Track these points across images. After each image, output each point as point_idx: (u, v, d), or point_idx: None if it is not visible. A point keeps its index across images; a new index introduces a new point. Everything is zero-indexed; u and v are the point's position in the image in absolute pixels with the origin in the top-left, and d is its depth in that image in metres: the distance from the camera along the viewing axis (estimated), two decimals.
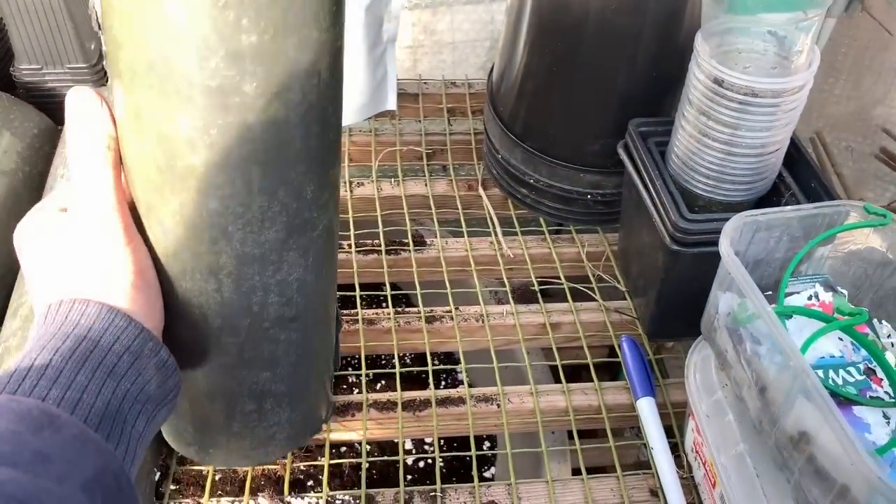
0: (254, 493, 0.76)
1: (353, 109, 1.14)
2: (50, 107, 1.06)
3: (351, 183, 1.11)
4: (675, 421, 0.85)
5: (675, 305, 0.86)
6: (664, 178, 0.83)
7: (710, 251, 0.72)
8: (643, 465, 0.83)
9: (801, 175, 0.83)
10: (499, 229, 1.05)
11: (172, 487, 0.77)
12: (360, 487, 0.76)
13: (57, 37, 1.03)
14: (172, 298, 0.59)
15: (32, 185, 0.95)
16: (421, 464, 1.17)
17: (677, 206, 0.79)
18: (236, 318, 0.59)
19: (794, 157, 0.84)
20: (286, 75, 0.49)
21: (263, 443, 0.70)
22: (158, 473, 0.77)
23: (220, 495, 0.77)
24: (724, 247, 0.68)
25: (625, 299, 0.98)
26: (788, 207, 0.72)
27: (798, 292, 0.75)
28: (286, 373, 0.65)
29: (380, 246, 1.02)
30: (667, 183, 0.82)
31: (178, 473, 0.78)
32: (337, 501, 0.76)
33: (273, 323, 0.60)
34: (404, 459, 0.81)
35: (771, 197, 0.84)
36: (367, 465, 0.78)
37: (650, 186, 0.83)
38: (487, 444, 1.23)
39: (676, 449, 0.82)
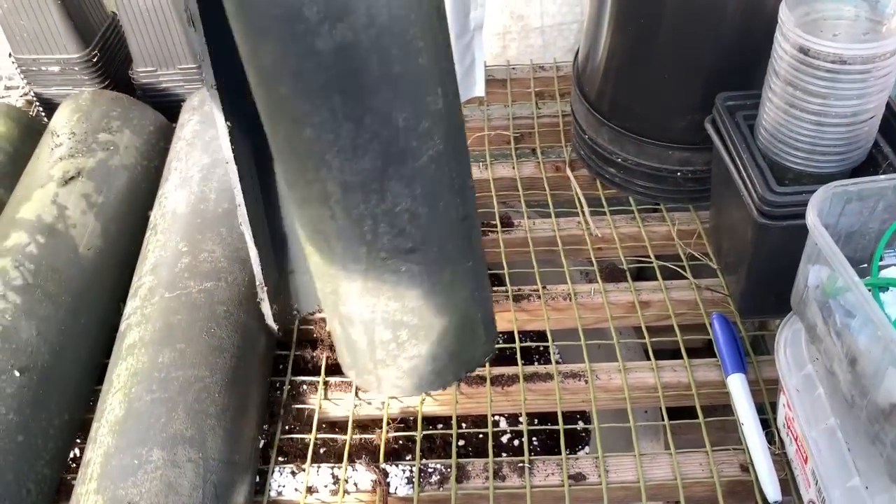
0: (351, 460, 0.81)
1: (463, 118, 1.17)
2: (164, 105, 1.15)
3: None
4: (767, 398, 0.84)
5: (766, 281, 0.85)
6: (752, 152, 0.82)
7: (800, 224, 0.71)
8: (736, 442, 0.83)
9: None
10: (586, 209, 1.06)
11: (278, 458, 0.82)
12: (451, 458, 0.80)
13: (169, 41, 1.11)
14: (302, 226, 0.64)
15: (150, 178, 1.04)
16: (516, 442, 1.19)
17: (765, 179, 0.78)
18: (354, 245, 0.61)
19: (893, 124, 0.81)
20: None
21: (409, 374, 0.71)
22: (263, 441, 0.83)
23: (322, 461, 0.82)
24: (811, 218, 0.67)
25: (716, 277, 0.97)
26: (882, 176, 0.70)
27: (895, 264, 0.72)
28: (415, 305, 0.66)
29: None
30: (755, 156, 0.81)
31: (282, 442, 0.84)
32: (429, 469, 0.79)
33: (390, 253, 0.62)
34: (493, 432, 0.84)
35: (867, 167, 0.81)
36: (462, 438, 0.82)
37: (738, 160, 0.83)
38: (581, 423, 1.25)
39: (769, 425, 0.81)
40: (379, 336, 0.69)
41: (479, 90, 1.20)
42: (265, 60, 0.53)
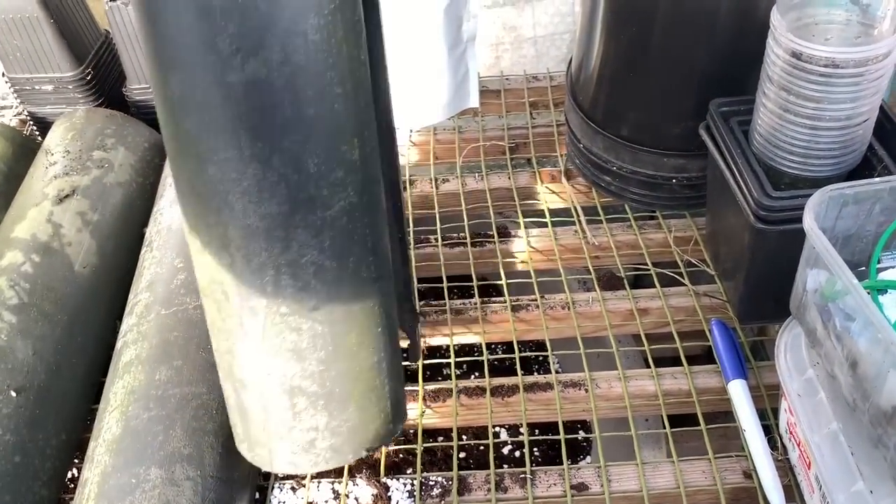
0: (352, 475, 0.80)
1: (436, 108, 1.18)
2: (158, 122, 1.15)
3: (436, 180, 1.14)
4: (768, 403, 0.83)
5: (765, 287, 0.85)
6: (747, 157, 0.82)
7: (797, 228, 0.71)
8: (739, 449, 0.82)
9: (895, 145, 0.80)
10: (583, 218, 1.06)
11: (277, 474, 0.82)
12: (452, 470, 0.79)
13: None
14: (200, 276, 0.61)
15: (145, 195, 1.04)
16: (517, 453, 1.19)
17: (761, 184, 0.78)
18: (252, 297, 0.57)
19: (887, 127, 0.81)
20: (261, 32, 0.47)
21: (305, 448, 0.65)
22: None
23: (321, 477, 0.81)
24: (808, 221, 0.67)
25: (714, 283, 0.97)
26: (877, 179, 0.70)
27: (893, 266, 0.72)
28: (315, 370, 0.61)
29: (465, 238, 1.05)
30: (750, 162, 0.81)
31: None
32: (431, 482, 0.79)
33: (291, 309, 0.58)
34: (495, 444, 0.83)
35: (862, 170, 0.81)
36: (460, 449, 0.81)
37: (733, 166, 0.82)
38: (582, 433, 1.24)
39: (771, 431, 0.80)
40: (274, 402, 0.63)
41: (474, 101, 1.21)
42: (173, 91, 0.51)
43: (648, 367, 0.89)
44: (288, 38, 0.49)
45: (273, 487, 0.80)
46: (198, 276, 0.62)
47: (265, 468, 0.70)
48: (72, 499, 0.73)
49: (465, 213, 1.08)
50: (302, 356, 0.61)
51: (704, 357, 0.97)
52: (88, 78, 1.14)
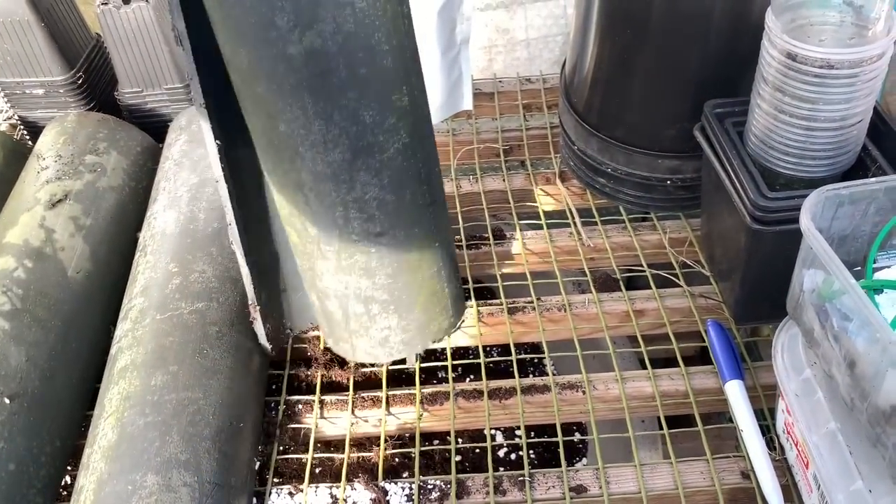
0: (350, 479, 0.80)
1: (429, 111, 1.17)
2: (151, 126, 1.14)
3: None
4: (765, 404, 0.83)
5: (761, 287, 0.85)
6: (742, 158, 0.82)
7: (793, 229, 0.71)
8: (733, 450, 0.82)
9: (888, 146, 0.81)
10: (578, 220, 1.06)
11: (274, 480, 0.81)
12: (450, 474, 0.79)
13: (154, 61, 1.10)
14: (280, 208, 0.69)
15: (138, 199, 1.03)
16: (513, 456, 1.19)
17: (756, 185, 0.78)
18: (327, 228, 0.67)
19: (880, 128, 0.82)
20: (314, 7, 0.54)
21: (381, 343, 0.78)
22: (259, 462, 0.82)
23: (319, 481, 0.81)
24: (805, 221, 0.67)
25: (710, 284, 0.97)
26: (872, 179, 0.70)
27: (889, 266, 0.73)
28: (384, 283, 0.72)
29: (461, 241, 1.05)
30: (745, 162, 0.81)
31: (279, 463, 0.83)
32: (429, 486, 0.79)
33: (360, 236, 0.68)
34: (493, 447, 0.83)
35: (856, 171, 0.82)
36: (458, 453, 0.81)
37: (728, 167, 0.83)
38: (578, 435, 1.24)
39: (767, 431, 0.80)
40: (352, 309, 0.75)
41: (467, 104, 1.21)
42: (242, 63, 0.58)
43: (645, 368, 0.89)
44: (338, 10, 0.55)
45: (270, 493, 0.80)
46: (279, 208, 0.72)
47: (348, 358, 0.83)
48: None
49: (459, 215, 1.08)
50: (372, 273, 0.71)
51: (700, 358, 0.97)
52: (80, 82, 1.13)
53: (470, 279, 1.01)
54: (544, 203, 1.10)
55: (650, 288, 0.97)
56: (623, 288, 0.98)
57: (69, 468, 0.83)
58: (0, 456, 0.73)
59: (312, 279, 0.75)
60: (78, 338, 0.87)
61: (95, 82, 1.17)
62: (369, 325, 0.76)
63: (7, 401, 0.76)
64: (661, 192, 1.02)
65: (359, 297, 0.74)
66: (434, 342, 0.81)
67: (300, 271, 0.78)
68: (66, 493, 0.79)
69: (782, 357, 0.75)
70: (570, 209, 1.08)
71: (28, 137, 1.20)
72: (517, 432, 1.06)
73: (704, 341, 0.90)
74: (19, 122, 1.19)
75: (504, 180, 1.14)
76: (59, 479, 0.81)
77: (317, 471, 0.86)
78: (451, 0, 1.08)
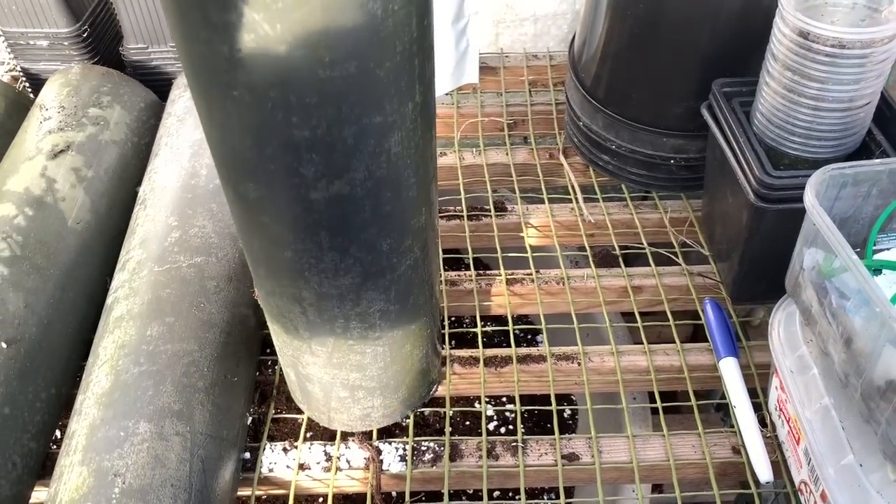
0: (344, 438, 0.80)
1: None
2: (155, 83, 1.14)
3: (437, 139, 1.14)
4: (758, 383, 0.84)
5: (760, 266, 0.86)
6: (748, 137, 0.82)
7: (796, 208, 0.71)
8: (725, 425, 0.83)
9: (894, 131, 0.81)
10: (580, 196, 1.06)
11: (269, 433, 0.81)
12: (444, 436, 0.79)
13: (161, 18, 1.10)
14: (268, 307, 0.65)
15: (140, 155, 1.02)
16: (503, 429, 1.19)
17: (762, 163, 0.79)
18: (322, 335, 0.64)
19: (886, 113, 0.82)
20: (347, 159, 0.50)
21: (361, 419, 0.76)
22: (251, 418, 0.82)
23: (313, 439, 0.81)
24: (809, 198, 0.67)
25: (708, 264, 0.97)
26: (876, 161, 0.71)
27: (889, 248, 0.73)
28: (375, 374, 0.70)
29: (462, 212, 1.04)
30: (751, 141, 0.82)
31: (274, 423, 0.83)
32: (423, 447, 0.79)
33: (357, 341, 0.65)
34: (486, 412, 0.83)
35: (861, 154, 0.82)
36: (453, 417, 0.81)
37: (734, 145, 0.83)
38: (569, 411, 1.25)
39: (760, 409, 0.81)
40: (336, 394, 0.72)
41: (473, 76, 1.20)
42: (248, 193, 0.53)
43: (641, 343, 0.89)
44: (372, 159, 0.51)
45: (265, 448, 0.80)
46: (264, 303, 0.67)
47: (323, 425, 0.79)
48: (59, 451, 0.72)
49: (461, 186, 1.08)
50: (364, 368, 0.69)
51: (696, 336, 0.97)
52: (85, 35, 1.12)
53: (470, 250, 1.01)
54: (547, 178, 1.10)
55: (649, 266, 0.98)
56: (622, 264, 0.98)
57: (62, 422, 0.83)
58: None
59: (294, 363, 0.72)
60: (75, 287, 0.87)
61: (101, 36, 1.16)
62: (352, 406, 0.74)
63: (4, 345, 0.76)
64: (664, 171, 1.02)
65: (345, 386, 0.71)
66: (412, 412, 0.80)
67: (276, 344, 0.74)
68: (55, 447, 0.79)
69: (778, 334, 0.76)
70: (572, 185, 1.08)
71: (30, 90, 1.19)
72: (508, 406, 1.07)
73: (701, 319, 0.90)
74: (22, 74, 1.18)
75: (507, 154, 1.14)
76: (53, 427, 0.81)
77: (308, 434, 0.86)
78: None
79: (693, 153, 0.99)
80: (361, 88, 0.48)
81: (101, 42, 1.16)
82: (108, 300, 0.82)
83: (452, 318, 0.92)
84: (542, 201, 1.06)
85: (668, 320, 0.91)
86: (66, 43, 1.12)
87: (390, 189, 0.55)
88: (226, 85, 0.47)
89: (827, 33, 0.72)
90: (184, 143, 0.95)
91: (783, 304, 0.78)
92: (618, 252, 1.00)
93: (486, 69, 1.26)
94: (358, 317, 0.63)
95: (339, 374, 0.70)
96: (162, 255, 0.83)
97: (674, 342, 0.89)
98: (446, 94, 1.22)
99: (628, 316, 0.98)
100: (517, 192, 1.08)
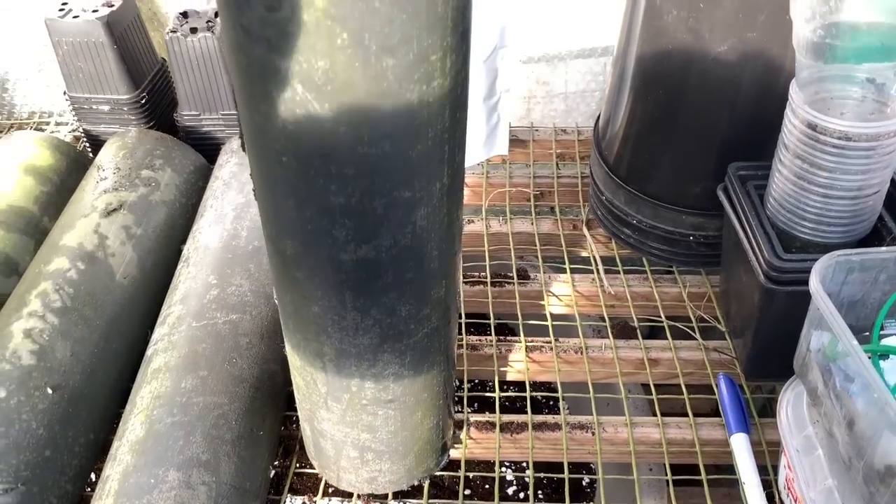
0: (360, 496, 0.83)
1: (467, 154, 1.23)
2: (204, 147, 1.21)
3: (463, 218, 1.19)
4: (769, 460, 0.85)
5: (772, 345, 0.88)
6: (761, 220, 0.85)
7: (805, 290, 0.74)
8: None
9: None
10: (601, 267, 1.10)
11: (290, 486, 0.85)
12: (458, 499, 0.82)
13: (214, 88, 1.18)
14: (292, 359, 0.71)
15: (187, 214, 1.09)
16: (521, 494, 1.21)
17: (772, 246, 0.82)
18: (338, 391, 0.69)
19: None
20: (376, 227, 0.56)
21: (368, 481, 0.79)
22: (274, 471, 0.86)
23: (332, 495, 0.84)
24: (814, 283, 0.70)
25: (724, 339, 0.99)
26: (883, 248, 0.73)
27: (895, 334, 0.75)
28: (385, 437, 0.74)
29: (486, 278, 1.09)
30: (763, 224, 0.85)
31: (296, 476, 0.87)
32: None
33: (370, 402, 0.70)
34: (500, 477, 0.86)
35: (871, 240, 0.84)
36: (473, 480, 0.84)
37: (747, 227, 0.86)
38: (587, 479, 1.26)
39: (770, 487, 0.82)
40: (346, 453, 0.76)
41: (503, 149, 1.26)
42: (286, 249, 0.59)
43: (655, 415, 0.91)
44: (398, 230, 0.57)
45: (285, 501, 0.83)
46: (290, 355, 0.73)
47: (332, 483, 0.83)
48: (92, 494, 0.77)
49: (487, 253, 1.12)
50: (374, 430, 0.73)
51: (710, 410, 0.99)
52: (143, 101, 1.21)
53: (492, 316, 1.05)
54: (569, 248, 1.14)
55: (666, 339, 1.00)
56: (640, 336, 1.01)
57: (97, 465, 0.87)
58: (39, 441, 0.78)
59: (310, 417, 0.77)
60: (118, 338, 0.92)
61: (157, 103, 1.25)
62: (360, 467, 0.78)
63: (50, 391, 0.82)
64: (684, 247, 1.06)
65: (356, 446, 0.75)
66: (418, 482, 0.83)
67: (297, 398, 0.79)
68: (90, 490, 0.83)
69: (787, 413, 0.77)
70: (594, 256, 1.12)
71: (90, 150, 1.28)
72: (524, 466, 1.09)
73: (715, 394, 0.92)
74: (83, 135, 1.27)
75: (532, 224, 1.18)
76: (89, 471, 0.86)
77: (330, 490, 0.89)
78: (495, 52, 1.14)
79: (712, 231, 1.02)
80: (394, 166, 0.53)
81: (158, 108, 1.25)
82: (148, 352, 0.88)
83: (473, 381, 0.96)
84: (564, 271, 1.10)
85: (683, 393, 0.93)
86: (125, 108, 1.21)
87: (413, 258, 0.60)
88: (276, 151, 0.53)
89: (834, 126, 0.76)
90: (228, 205, 1.02)
91: (792, 384, 0.80)
92: (636, 324, 1.03)
93: (516, 141, 1.32)
94: (373, 377, 0.67)
95: (350, 432, 0.73)
96: (200, 311, 0.88)
97: (688, 415, 0.91)
98: (477, 165, 1.27)
99: (647, 387, 1.00)
100: (540, 260, 1.12)
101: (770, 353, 0.89)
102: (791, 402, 0.78)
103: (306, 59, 0.47)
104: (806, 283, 0.73)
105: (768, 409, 1.00)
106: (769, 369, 0.91)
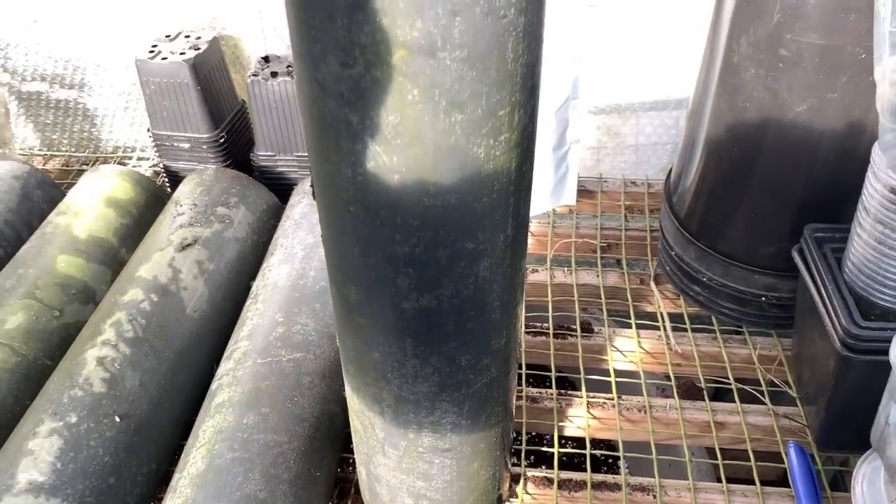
0: None
1: (533, 202, 1.23)
2: (278, 187, 1.25)
3: (526, 269, 1.18)
4: None
5: (847, 415, 0.84)
6: (838, 284, 0.83)
7: (885, 360, 0.71)
8: None
9: None
10: (668, 324, 1.07)
11: None
12: None
13: (289, 130, 1.21)
14: (351, 402, 0.71)
15: (258, 251, 1.12)
16: None
17: (850, 312, 0.79)
18: (396, 437, 0.69)
19: None
20: (438, 277, 0.56)
21: None
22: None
23: None
24: (895, 355, 0.67)
25: (795, 405, 0.96)
26: None
27: None
28: (440, 486, 0.73)
29: (548, 329, 1.08)
30: (840, 289, 0.82)
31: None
32: None
33: (427, 449, 0.69)
34: None
35: None
36: None
37: (823, 291, 0.83)
38: None
39: None
40: (401, 500, 0.76)
41: (570, 199, 1.25)
42: (349, 295, 0.60)
43: (720, 481, 0.88)
44: (461, 280, 0.57)
45: None
46: (349, 398, 0.73)
47: None
48: None
49: (550, 304, 1.11)
50: (430, 478, 0.73)
51: (778, 480, 0.95)
52: (221, 141, 1.25)
53: (553, 368, 1.03)
54: (636, 303, 1.12)
55: (734, 402, 0.97)
56: (706, 398, 0.98)
57: (158, 495, 0.89)
58: (104, 469, 0.80)
59: (367, 461, 0.77)
60: (185, 371, 0.95)
61: (235, 142, 1.29)
62: None
63: (118, 419, 0.84)
64: (755, 307, 1.03)
65: (411, 493, 0.75)
66: None
67: (354, 441, 0.79)
68: None
69: (862, 489, 0.74)
70: (661, 313, 1.10)
71: (168, 185, 1.33)
72: None
73: (784, 463, 0.88)
74: (163, 171, 1.32)
75: (598, 276, 1.17)
76: (150, 500, 0.87)
77: None
78: (567, 103, 1.15)
79: (785, 292, 0.99)
80: (458, 217, 0.54)
81: (235, 147, 1.29)
82: (213, 385, 0.90)
83: (531, 434, 0.94)
84: (629, 326, 1.08)
85: (751, 460, 0.90)
86: (204, 147, 1.25)
87: (474, 309, 0.60)
88: (345, 201, 0.54)
89: None
90: (297, 245, 1.04)
91: (868, 458, 0.76)
92: (703, 385, 1.00)
93: (584, 192, 1.31)
94: (431, 425, 0.67)
95: (406, 479, 0.73)
96: (266, 347, 0.90)
97: (754, 483, 0.87)
98: (544, 213, 1.27)
99: (712, 450, 0.96)
100: (605, 314, 1.10)
101: (845, 424, 0.85)
102: (867, 477, 0.75)
103: (377, 113, 0.49)
104: (886, 352, 0.70)
105: (840, 483, 0.95)
106: (843, 440, 0.87)
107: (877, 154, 0.77)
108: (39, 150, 1.54)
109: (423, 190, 0.52)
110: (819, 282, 0.84)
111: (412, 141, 0.50)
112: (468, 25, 0.46)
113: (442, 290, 0.57)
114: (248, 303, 1.00)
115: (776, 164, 0.91)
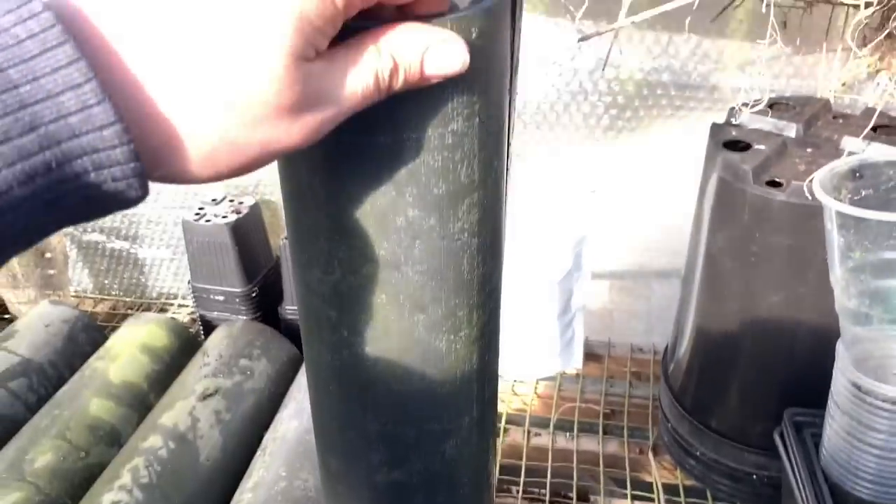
0: None
1: (540, 365, 1.28)
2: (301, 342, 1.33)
3: (529, 432, 1.22)
4: None
5: None
6: (813, 472, 0.85)
7: None
8: None
9: None
10: (662, 496, 1.09)
11: None
12: None
13: None
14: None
15: (273, 402, 1.19)
16: None
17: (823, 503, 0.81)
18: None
19: None
20: (406, 452, 0.60)
21: None
22: None
23: None
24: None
25: None
26: None
27: None
28: None
29: (545, 496, 1.10)
30: (815, 477, 0.84)
31: None
32: None
33: None
34: None
35: None
36: None
37: (800, 480, 0.86)
38: None
39: None
40: None
41: (577, 363, 1.31)
42: (331, 466, 0.64)
43: None
44: (428, 457, 0.63)
45: None
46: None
47: None
48: None
49: (549, 470, 1.14)
50: None
51: None
52: (254, 295, 1.36)
53: None
54: (633, 472, 1.14)
55: None
56: None
57: None
58: None
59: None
60: None
61: (266, 295, 1.39)
62: None
63: None
64: (749, 484, 1.04)
65: None
66: None
67: None
68: None
69: None
70: (656, 484, 1.12)
71: (203, 332, 1.43)
72: None
73: None
74: (199, 319, 1.42)
75: (599, 444, 1.20)
76: None
77: None
78: (570, 273, 1.23)
79: (775, 471, 1.01)
80: (423, 400, 0.61)
81: (265, 300, 1.39)
82: None
83: None
84: (625, 496, 1.10)
85: None
86: (237, 300, 1.36)
87: (444, 484, 0.65)
88: (325, 380, 0.62)
89: (880, 390, 0.77)
90: (307, 400, 1.11)
91: None
92: None
93: (591, 356, 1.36)
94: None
95: None
96: (267, 500, 0.95)
97: None
98: (551, 376, 1.32)
99: None
100: (602, 483, 1.13)
101: None
102: None
103: (352, 311, 0.57)
104: None
105: None
106: None
107: (841, 350, 0.81)
108: (92, 292, 1.67)
109: (392, 376, 0.59)
110: (796, 468, 0.87)
111: (381, 335, 0.58)
112: (426, 246, 0.56)
113: (411, 465, 0.63)
114: (258, 454, 1.06)
115: (758, 349, 0.96)
